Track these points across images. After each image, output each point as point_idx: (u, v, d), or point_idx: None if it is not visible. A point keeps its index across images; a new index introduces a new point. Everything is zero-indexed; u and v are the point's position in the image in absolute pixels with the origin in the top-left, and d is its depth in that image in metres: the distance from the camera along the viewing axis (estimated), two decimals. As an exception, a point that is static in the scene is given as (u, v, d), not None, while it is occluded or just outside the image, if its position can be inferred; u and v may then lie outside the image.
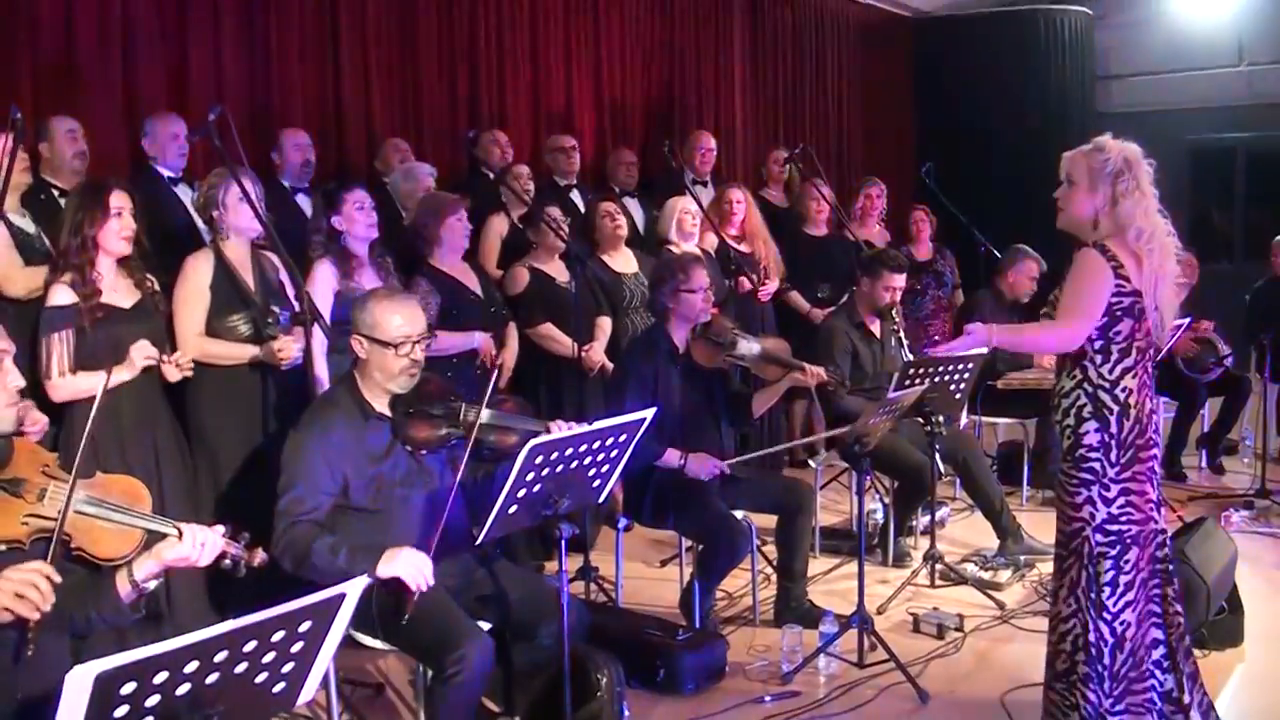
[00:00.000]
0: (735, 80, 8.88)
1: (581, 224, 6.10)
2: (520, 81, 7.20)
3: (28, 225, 4.34)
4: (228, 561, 2.59)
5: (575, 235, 5.69)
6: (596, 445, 3.21)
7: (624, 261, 5.90)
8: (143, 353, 3.77)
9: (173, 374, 3.87)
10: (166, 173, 5.08)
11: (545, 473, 3.08)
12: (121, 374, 3.72)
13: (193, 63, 5.68)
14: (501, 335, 5.03)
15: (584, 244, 5.75)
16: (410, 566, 3.08)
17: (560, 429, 3.33)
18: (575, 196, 6.65)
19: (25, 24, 5.05)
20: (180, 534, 2.50)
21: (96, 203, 3.76)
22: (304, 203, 5.55)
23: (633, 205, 6.81)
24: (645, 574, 5.36)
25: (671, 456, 4.38)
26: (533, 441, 3.00)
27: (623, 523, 4.66)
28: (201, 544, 2.52)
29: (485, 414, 3.37)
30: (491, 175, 6.27)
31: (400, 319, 3.35)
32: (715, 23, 8.68)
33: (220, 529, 2.57)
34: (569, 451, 3.13)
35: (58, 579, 2.30)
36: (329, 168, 6.00)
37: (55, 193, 4.66)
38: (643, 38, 8.08)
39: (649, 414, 3.32)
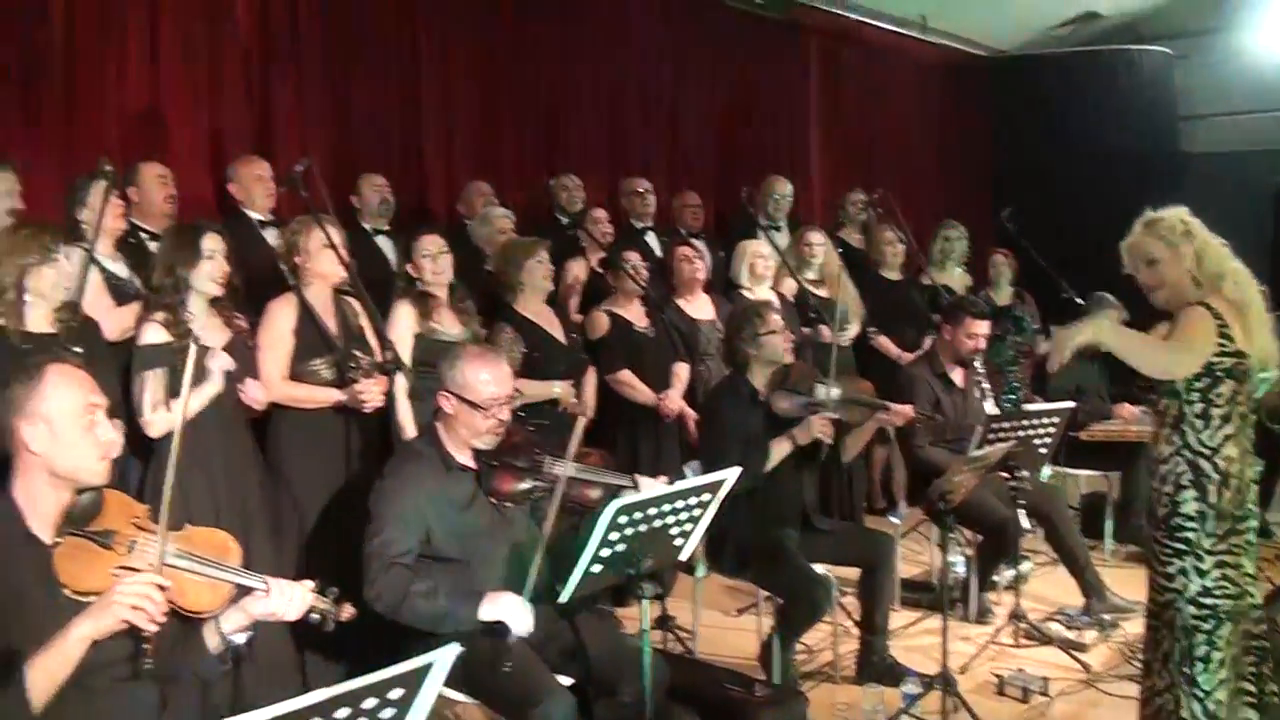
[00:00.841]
0: (810, 122, 8.85)
1: (658, 267, 6.09)
2: (597, 124, 7.26)
3: (120, 269, 4.46)
4: (315, 616, 2.59)
5: (653, 280, 5.68)
6: (680, 504, 3.18)
7: (701, 306, 5.87)
8: (221, 363, 3.82)
9: (255, 403, 3.94)
10: (255, 216, 5.17)
11: (629, 532, 3.06)
12: (205, 390, 3.77)
13: (276, 107, 5.80)
14: (581, 381, 5.02)
15: (661, 288, 5.74)
16: (514, 610, 3.14)
17: (646, 485, 3.29)
18: (651, 239, 6.66)
19: (114, 74, 5.19)
20: (269, 589, 2.52)
21: (190, 245, 3.86)
22: (384, 244, 5.63)
23: (701, 248, 6.77)
24: (722, 623, 5.29)
25: (782, 445, 4.34)
26: (616, 502, 2.99)
27: (701, 572, 4.62)
28: (290, 599, 2.53)
29: (569, 468, 3.36)
30: (565, 220, 6.30)
31: (489, 378, 3.37)
32: (790, 64, 8.67)
33: (309, 584, 2.58)
34: (652, 511, 3.10)
35: (167, 584, 2.34)
36: (411, 211, 6.06)
37: (144, 236, 4.77)
38: (718, 80, 8.09)
39: (733, 474, 3.29)
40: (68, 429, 2.45)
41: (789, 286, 6.37)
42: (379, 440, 4.33)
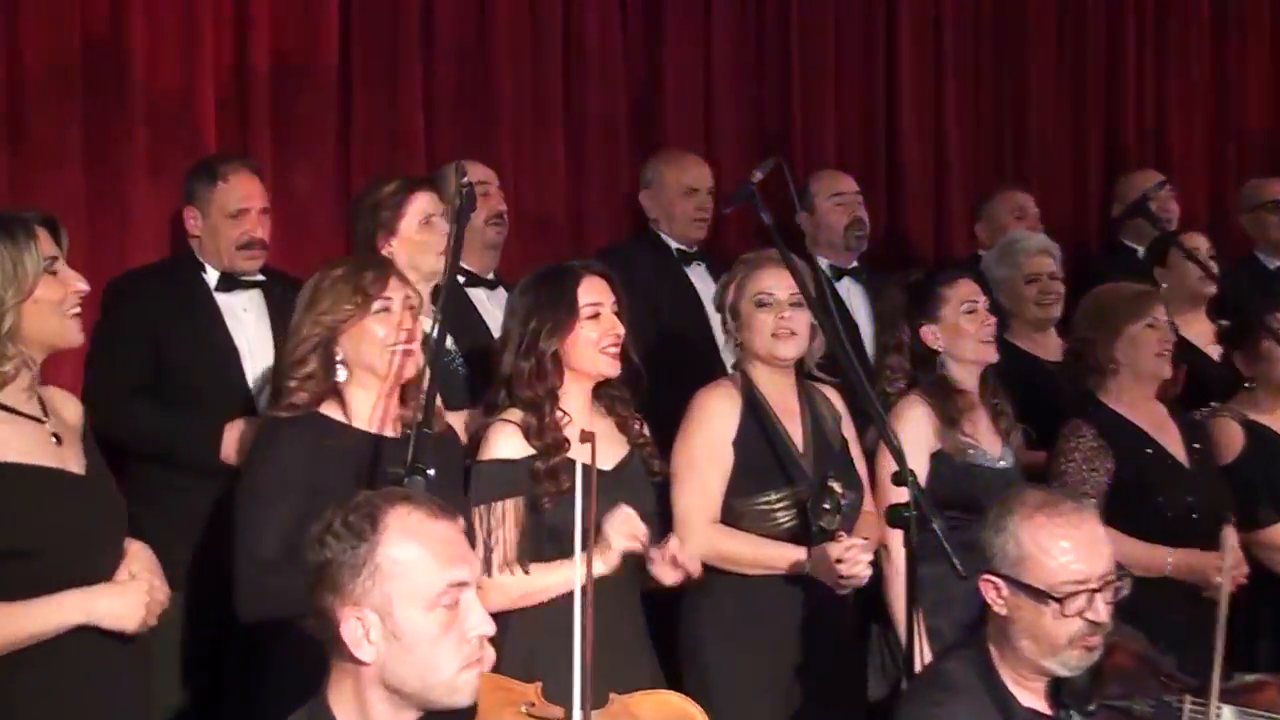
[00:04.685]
0: None
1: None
2: (1192, 88, 7.28)
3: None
4: None
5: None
6: None
7: None
8: (625, 528, 3.73)
9: (668, 576, 3.85)
10: (674, 244, 5.32)
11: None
12: (595, 566, 3.66)
13: (668, 77, 6.06)
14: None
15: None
16: None
17: None
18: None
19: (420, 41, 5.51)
20: None
21: (559, 301, 3.87)
22: (850, 291, 5.69)
23: None
24: None
25: None
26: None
27: None
28: None
29: (1227, 714, 3.31)
30: (1139, 249, 6.26)
31: (1069, 548, 3.16)
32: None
33: None
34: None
35: None
36: (876, 236, 6.10)
37: (461, 279, 4.84)
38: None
39: None
40: (416, 625, 2.43)
41: None
42: (854, 619, 4.41)
